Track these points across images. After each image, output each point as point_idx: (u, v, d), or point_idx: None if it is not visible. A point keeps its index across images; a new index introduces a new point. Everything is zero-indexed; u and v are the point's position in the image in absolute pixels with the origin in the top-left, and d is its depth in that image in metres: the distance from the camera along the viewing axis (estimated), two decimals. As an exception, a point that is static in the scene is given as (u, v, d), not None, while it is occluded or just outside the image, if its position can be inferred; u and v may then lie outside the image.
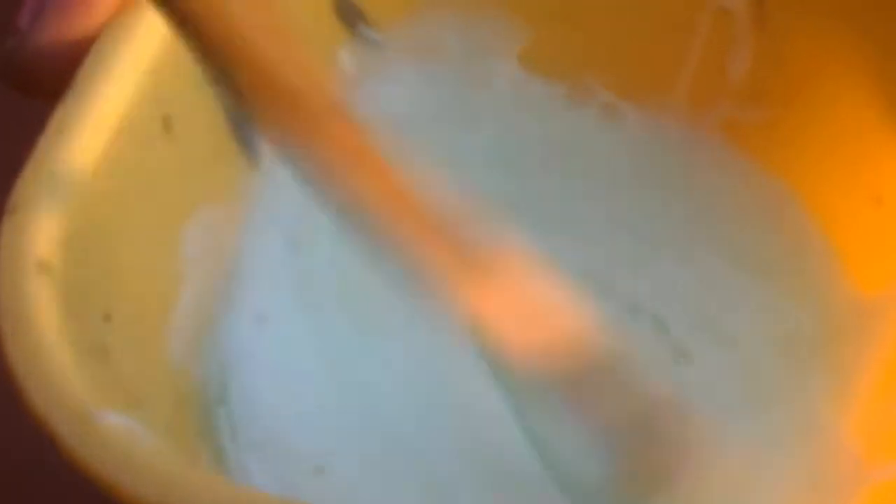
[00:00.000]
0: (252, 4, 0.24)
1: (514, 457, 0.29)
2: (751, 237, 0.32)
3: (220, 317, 0.29)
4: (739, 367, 0.31)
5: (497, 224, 0.27)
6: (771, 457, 0.29)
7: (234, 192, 0.29)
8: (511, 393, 0.28)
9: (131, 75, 0.26)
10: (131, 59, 0.26)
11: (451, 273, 0.26)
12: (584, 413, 0.28)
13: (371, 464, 0.29)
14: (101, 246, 0.25)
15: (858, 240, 0.31)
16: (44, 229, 0.24)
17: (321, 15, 0.30)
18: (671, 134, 0.32)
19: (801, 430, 0.30)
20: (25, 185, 0.25)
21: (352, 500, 0.28)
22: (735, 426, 0.30)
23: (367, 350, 0.30)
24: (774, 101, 0.32)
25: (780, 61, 0.32)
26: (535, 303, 0.27)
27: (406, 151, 0.26)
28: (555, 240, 0.29)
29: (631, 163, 0.32)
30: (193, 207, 0.28)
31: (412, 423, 0.30)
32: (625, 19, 0.32)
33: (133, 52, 0.26)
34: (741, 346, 0.31)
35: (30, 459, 0.30)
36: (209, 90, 0.27)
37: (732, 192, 0.32)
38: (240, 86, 0.24)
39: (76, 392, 0.23)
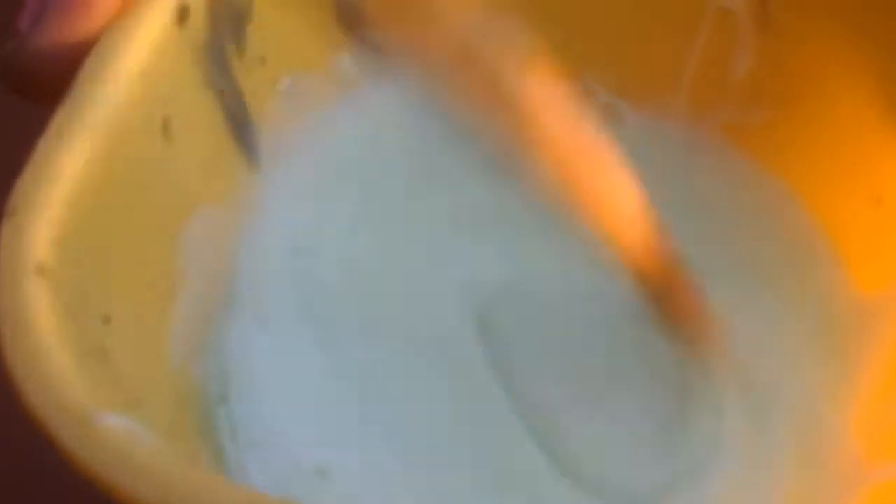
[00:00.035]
0: None
1: (515, 458, 0.29)
2: (751, 237, 0.32)
3: (220, 317, 0.29)
4: (739, 367, 0.31)
5: None
6: (771, 457, 0.30)
7: (234, 192, 0.29)
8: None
9: (131, 78, 0.26)
10: (131, 61, 0.26)
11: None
12: None
13: (371, 464, 0.29)
14: (101, 248, 0.25)
15: (858, 240, 0.31)
16: (43, 231, 0.24)
17: (322, 17, 0.30)
18: (672, 135, 0.32)
19: (801, 430, 0.30)
20: (25, 187, 0.25)
21: (352, 501, 0.28)
22: (735, 426, 0.30)
23: (367, 350, 0.30)
24: (775, 102, 0.32)
25: (780, 62, 0.32)
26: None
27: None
28: (555, 239, 0.29)
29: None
30: (193, 209, 0.28)
31: (412, 423, 0.30)
32: (625, 20, 0.32)
33: (133, 55, 0.26)
34: (741, 346, 0.31)
35: (30, 460, 0.30)
36: (209, 92, 0.28)
37: (733, 192, 0.32)
38: None
39: (75, 394, 0.23)
